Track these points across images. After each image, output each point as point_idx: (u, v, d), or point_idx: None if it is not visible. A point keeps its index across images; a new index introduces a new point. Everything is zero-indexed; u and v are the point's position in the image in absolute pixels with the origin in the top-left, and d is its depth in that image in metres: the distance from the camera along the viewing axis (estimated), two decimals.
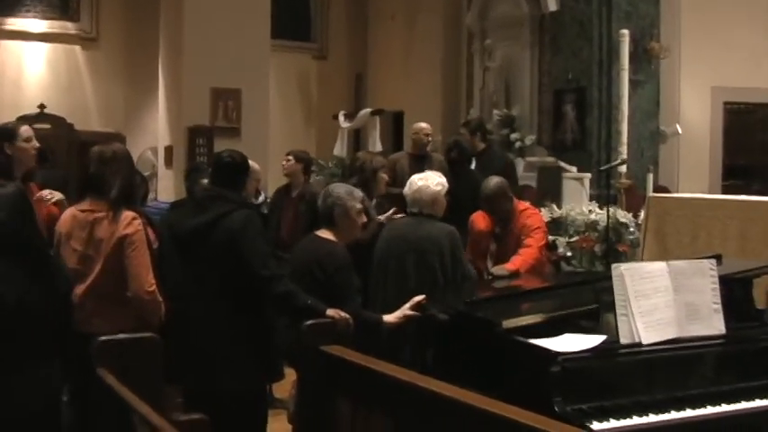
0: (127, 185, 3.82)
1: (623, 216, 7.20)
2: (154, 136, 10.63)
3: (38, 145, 4.47)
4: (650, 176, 8.32)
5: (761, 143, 10.36)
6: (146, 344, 3.13)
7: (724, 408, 3.36)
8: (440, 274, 4.80)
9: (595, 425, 3.12)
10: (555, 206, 7.63)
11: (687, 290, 3.53)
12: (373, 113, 11.81)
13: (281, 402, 5.12)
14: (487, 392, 2.79)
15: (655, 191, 7.83)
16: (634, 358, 3.40)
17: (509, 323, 3.51)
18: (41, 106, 11.64)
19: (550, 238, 6.61)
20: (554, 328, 3.51)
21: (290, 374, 4.14)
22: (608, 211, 6.86)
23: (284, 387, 4.71)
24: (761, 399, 3.44)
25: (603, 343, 3.38)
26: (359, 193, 4.44)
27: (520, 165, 9.37)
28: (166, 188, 9.40)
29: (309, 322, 3.58)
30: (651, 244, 6.25)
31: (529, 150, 9.98)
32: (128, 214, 3.74)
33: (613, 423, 3.15)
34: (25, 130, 4.45)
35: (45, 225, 3.97)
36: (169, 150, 9.47)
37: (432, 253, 4.82)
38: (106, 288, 3.70)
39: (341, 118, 12.17)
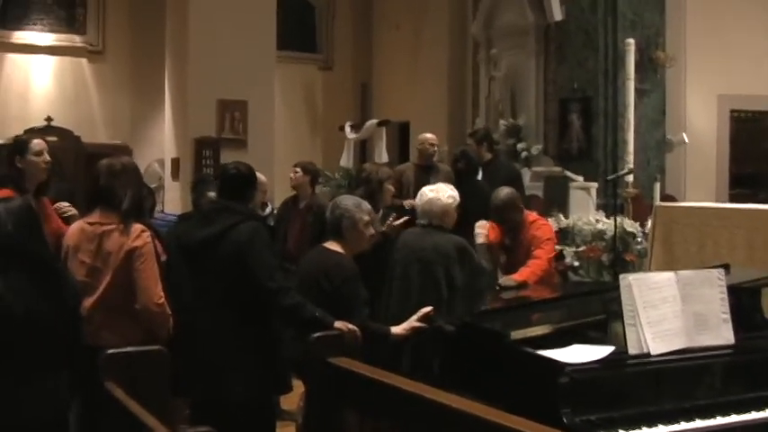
0: (137, 198, 3.83)
1: (630, 225, 7.18)
2: (160, 148, 10.66)
3: (48, 159, 4.45)
4: (657, 185, 8.33)
5: None
6: (153, 356, 3.15)
7: (734, 418, 3.34)
8: (444, 285, 4.80)
9: None
10: (562, 216, 7.63)
11: (695, 300, 3.52)
12: (379, 124, 11.82)
13: (289, 414, 5.11)
14: (495, 404, 2.78)
15: (662, 200, 7.82)
16: (643, 369, 3.38)
17: (517, 334, 3.51)
18: (48, 119, 11.72)
19: (557, 247, 6.60)
20: (562, 339, 3.50)
21: (299, 386, 4.14)
22: (615, 220, 6.85)
23: (292, 399, 4.71)
24: None
25: (612, 354, 3.37)
26: (366, 205, 4.44)
27: (526, 175, 9.35)
28: (173, 200, 9.42)
29: (317, 334, 3.58)
30: (658, 253, 6.23)
31: (535, 160, 9.96)
32: (137, 227, 3.74)
33: None
34: (37, 143, 4.44)
35: (53, 239, 3.97)
36: (176, 162, 9.50)
37: (436, 264, 4.82)
38: (115, 301, 3.70)
39: (347, 129, 12.19)
